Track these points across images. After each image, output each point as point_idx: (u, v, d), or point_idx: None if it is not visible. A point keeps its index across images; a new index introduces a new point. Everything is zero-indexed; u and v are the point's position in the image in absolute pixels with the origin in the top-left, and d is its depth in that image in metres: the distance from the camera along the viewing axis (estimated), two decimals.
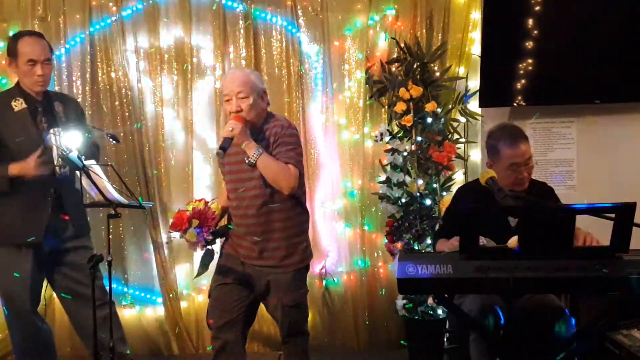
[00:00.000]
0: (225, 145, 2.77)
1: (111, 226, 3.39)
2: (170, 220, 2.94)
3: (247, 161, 2.78)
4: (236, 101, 2.83)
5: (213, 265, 3.04)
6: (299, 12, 4.28)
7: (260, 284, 2.94)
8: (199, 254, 3.04)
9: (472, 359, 2.92)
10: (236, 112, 2.84)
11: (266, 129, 2.90)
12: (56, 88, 4.21)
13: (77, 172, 2.87)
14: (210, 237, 2.89)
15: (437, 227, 3.99)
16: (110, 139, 3.39)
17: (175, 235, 2.93)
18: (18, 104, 3.20)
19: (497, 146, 3.00)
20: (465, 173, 4.24)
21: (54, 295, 4.21)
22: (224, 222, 3.09)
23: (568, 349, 2.72)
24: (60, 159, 3.03)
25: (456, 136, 4.17)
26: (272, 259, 2.90)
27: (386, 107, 4.24)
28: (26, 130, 3.15)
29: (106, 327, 2.98)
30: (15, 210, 3.16)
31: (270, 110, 3.03)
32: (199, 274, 3.03)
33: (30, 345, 3.32)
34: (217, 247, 3.04)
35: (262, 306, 3.11)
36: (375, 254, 4.34)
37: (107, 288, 2.97)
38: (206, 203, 2.91)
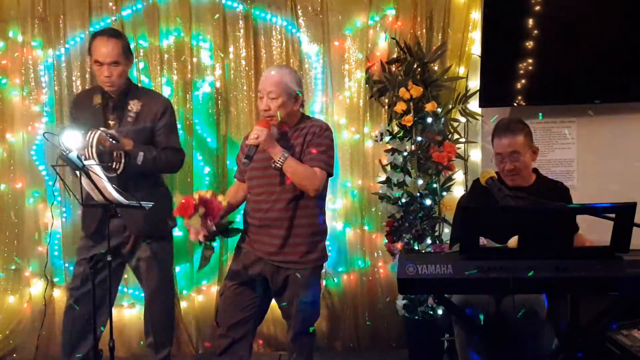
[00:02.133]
0: (251, 154, 2.83)
1: None
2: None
3: (273, 165, 2.84)
4: (267, 100, 2.89)
5: (213, 267, 3.04)
6: (299, 12, 4.28)
7: (278, 280, 2.95)
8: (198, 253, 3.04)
9: (458, 351, 2.96)
10: (265, 110, 2.90)
11: (302, 128, 2.96)
12: (56, 88, 4.22)
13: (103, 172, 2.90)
14: (214, 229, 2.85)
15: (437, 227, 4.01)
16: (110, 139, 3.38)
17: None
18: (97, 99, 3.33)
19: (493, 133, 3.18)
20: (465, 173, 4.24)
21: (54, 295, 4.24)
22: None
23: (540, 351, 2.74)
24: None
25: (456, 136, 4.17)
26: (292, 254, 2.92)
27: (386, 107, 4.24)
28: (98, 125, 3.20)
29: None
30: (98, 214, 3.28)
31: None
32: (201, 266, 3.01)
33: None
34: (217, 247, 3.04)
35: None
36: (375, 254, 4.34)
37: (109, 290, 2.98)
38: (213, 193, 2.89)
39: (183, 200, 2.82)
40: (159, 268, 3.43)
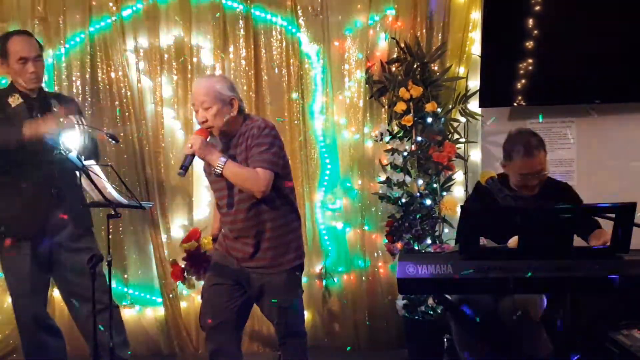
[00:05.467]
0: (186, 164, 2.78)
1: (111, 226, 3.39)
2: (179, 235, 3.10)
3: (214, 172, 2.79)
4: (202, 112, 2.83)
5: None
6: (299, 12, 4.28)
7: (254, 286, 2.94)
8: None
9: (458, 349, 2.98)
10: (202, 122, 2.84)
11: (244, 132, 2.88)
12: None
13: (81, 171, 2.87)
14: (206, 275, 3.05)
15: (438, 227, 4.00)
16: (110, 139, 3.38)
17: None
18: (14, 99, 3.22)
19: (511, 153, 3.06)
20: (465, 173, 4.24)
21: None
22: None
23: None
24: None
25: (456, 136, 4.17)
26: (264, 260, 2.90)
27: (386, 107, 4.24)
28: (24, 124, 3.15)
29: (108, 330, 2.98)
30: (16, 205, 3.16)
31: (249, 112, 3.04)
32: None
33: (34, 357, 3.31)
34: None
35: None
36: (375, 254, 4.34)
37: (109, 290, 2.98)
38: (197, 239, 2.96)
39: (172, 266, 3.13)
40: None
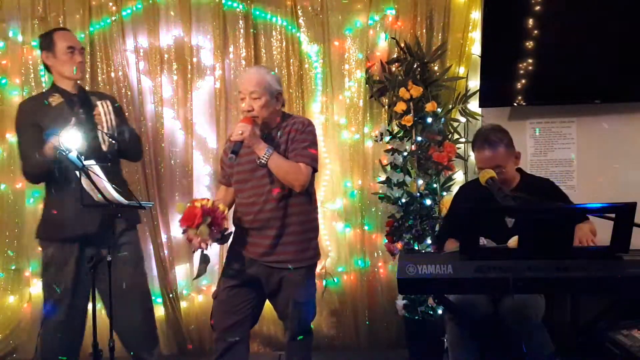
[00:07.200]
0: (237, 149, 2.80)
1: None
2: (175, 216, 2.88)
3: (258, 162, 2.82)
4: (249, 101, 2.87)
5: (212, 268, 3.03)
6: (299, 12, 4.28)
7: (272, 282, 2.95)
8: (196, 255, 2.99)
9: (449, 348, 2.97)
10: (247, 111, 2.87)
11: (284, 126, 2.94)
12: None
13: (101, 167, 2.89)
14: (219, 236, 2.80)
15: (437, 227, 4.00)
16: (111, 139, 3.38)
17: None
18: (55, 99, 3.24)
19: (473, 144, 3.12)
20: (465, 173, 4.24)
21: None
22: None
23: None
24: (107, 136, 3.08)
25: (456, 136, 4.17)
26: (285, 254, 2.91)
27: (386, 107, 4.24)
28: (67, 121, 3.13)
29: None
30: (69, 206, 3.13)
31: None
32: (198, 275, 2.99)
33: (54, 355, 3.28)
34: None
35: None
36: (375, 254, 4.34)
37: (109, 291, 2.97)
38: (214, 202, 2.83)
39: (187, 208, 2.73)
40: (136, 261, 3.37)
